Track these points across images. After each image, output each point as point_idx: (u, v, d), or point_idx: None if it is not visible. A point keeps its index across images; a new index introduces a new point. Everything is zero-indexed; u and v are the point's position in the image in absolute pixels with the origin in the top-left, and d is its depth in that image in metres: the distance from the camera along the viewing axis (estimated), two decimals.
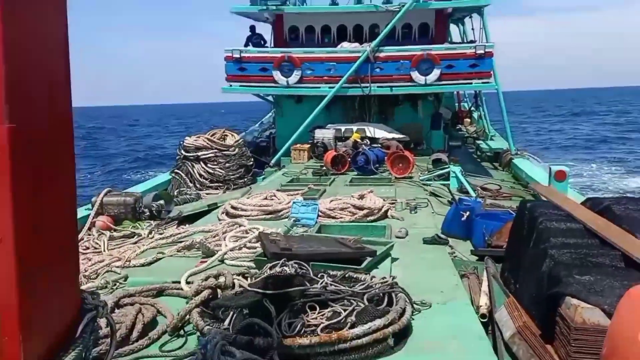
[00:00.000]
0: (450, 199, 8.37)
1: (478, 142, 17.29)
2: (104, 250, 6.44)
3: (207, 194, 10.93)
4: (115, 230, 7.59)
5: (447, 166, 10.51)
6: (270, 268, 4.12)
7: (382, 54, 14.09)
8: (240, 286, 3.92)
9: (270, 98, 17.12)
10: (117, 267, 5.13)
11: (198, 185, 11.29)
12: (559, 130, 50.79)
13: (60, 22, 1.86)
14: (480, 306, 4.22)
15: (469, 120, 19.77)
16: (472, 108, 19.98)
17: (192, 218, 8.12)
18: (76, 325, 1.82)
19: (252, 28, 16.38)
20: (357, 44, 14.94)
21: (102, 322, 2.52)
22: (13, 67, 1.57)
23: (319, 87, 14.39)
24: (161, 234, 6.97)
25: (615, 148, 36.38)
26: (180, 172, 11.58)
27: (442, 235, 6.26)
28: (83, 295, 1.93)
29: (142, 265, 5.25)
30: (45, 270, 1.73)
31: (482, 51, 13.73)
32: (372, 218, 6.89)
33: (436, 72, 13.78)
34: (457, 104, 19.35)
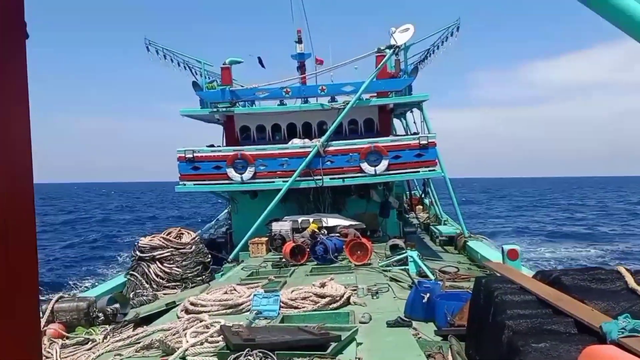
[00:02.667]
0: (410, 283, 8.50)
1: (431, 227, 17.78)
2: None
3: (164, 294, 10.66)
4: (67, 337, 7.25)
5: (404, 251, 10.73)
6: (235, 359, 4.06)
7: (331, 148, 14.67)
8: None
9: (225, 195, 17.25)
10: None
11: (155, 286, 11.03)
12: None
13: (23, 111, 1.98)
14: None
15: (421, 207, 20.39)
16: (423, 195, 20.68)
17: (150, 319, 7.87)
18: None
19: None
20: (307, 140, 15.53)
21: None
22: None
23: (273, 182, 14.70)
24: (117, 337, 6.70)
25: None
26: (135, 274, 11.31)
27: (405, 318, 6.31)
28: None
29: None
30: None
31: (425, 142, 14.52)
32: (334, 305, 6.88)
33: (384, 163, 14.39)
34: (408, 192, 20.02)
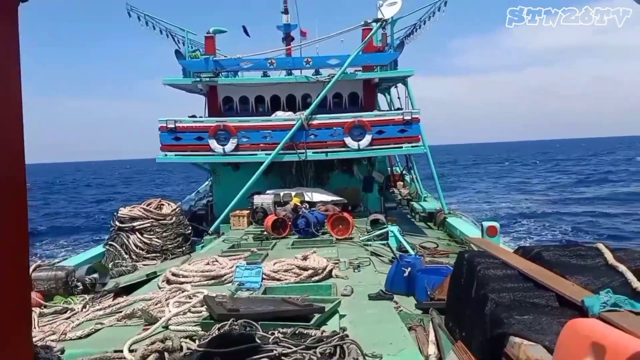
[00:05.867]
0: (391, 258, 8.57)
1: (412, 203, 17.91)
2: (34, 327, 6.04)
3: (144, 265, 10.59)
4: (45, 306, 7.16)
5: (385, 226, 10.80)
6: (219, 329, 4.04)
7: (315, 122, 14.56)
8: (189, 348, 3.81)
9: (206, 166, 17.10)
10: (52, 341, 4.83)
11: (134, 257, 10.93)
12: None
13: (15, 75, 1.90)
14: (430, 355, 4.30)
15: (402, 183, 20.49)
16: (404, 171, 20.77)
17: (130, 290, 7.81)
18: None
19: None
20: (291, 113, 15.39)
21: None
22: None
23: (256, 155, 14.58)
24: (98, 306, 6.64)
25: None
26: (114, 244, 11.19)
27: (387, 292, 6.37)
28: (36, 350, 1.86)
29: (80, 337, 4.97)
30: None
31: (409, 117, 14.49)
32: (316, 278, 6.91)
33: (368, 138, 14.35)
34: (389, 168, 20.07)
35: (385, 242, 9.91)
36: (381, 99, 20.03)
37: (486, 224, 10.27)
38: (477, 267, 4.71)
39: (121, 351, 4.20)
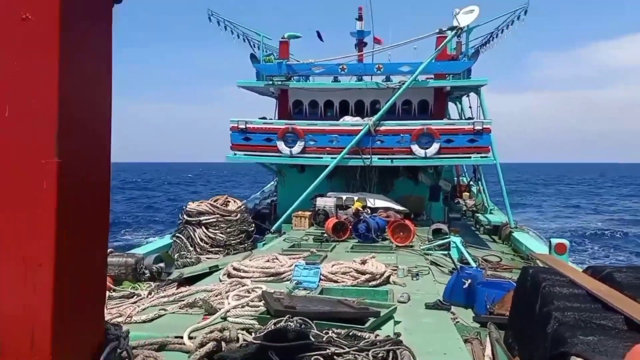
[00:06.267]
0: (451, 269, 8.40)
1: (477, 215, 17.44)
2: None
3: (207, 258, 10.94)
4: (114, 290, 7.55)
5: (447, 237, 10.59)
6: (275, 324, 4.12)
7: (382, 128, 14.52)
8: (245, 340, 3.91)
9: (273, 167, 17.44)
10: (119, 323, 5.09)
11: (199, 250, 11.32)
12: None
13: (107, 76, 2.04)
14: None
15: (467, 194, 20.01)
16: (471, 182, 20.29)
17: (192, 280, 8.10)
18: (100, 352, 1.87)
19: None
20: (358, 118, 15.42)
21: None
22: (66, 112, 1.72)
23: (322, 158, 14.72)
24: (162, 294, 6.93)
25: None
26: (181, 236, 11.64)
27: (445, 302, 6.26)
28: (106, 326, 1.99)
29: (144, 321, 5.21)
30: (75, 296, 1.81)
31: (480, 127, 14.16)
32: (374, 283, 6.89)
33: (436, 146, 14.14)
34: (456, 178, 19.66)
35: (446, 252, 9.73)
36: (452, 108, 19.68)
37: (555, 240, 9.87)
38: (542, 283, 4.54)
39: (181, 337, 4.38)
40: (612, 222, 35.83)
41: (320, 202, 13.59)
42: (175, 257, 10.63)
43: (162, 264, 9.13)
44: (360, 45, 17.71)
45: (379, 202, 13.79)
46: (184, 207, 12.29)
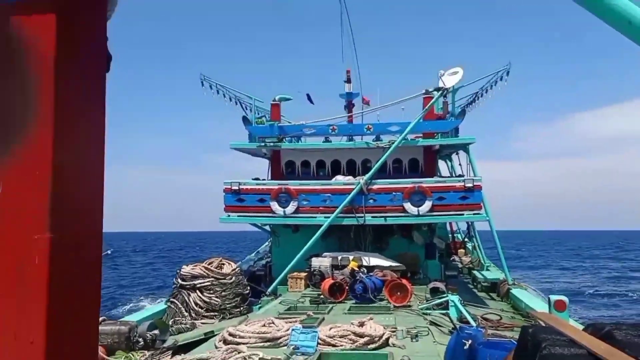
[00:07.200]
0: (451, 328, 8.29)
1: (474, 272, 17.35)
2: None
3: (202, 323, 10.73)
4: None
5: (445, 295, 10.51)
6: None
7: (375, 186, 14.66)
8: None
9: (267, 228, 17.41)
10: None
11: (193, 314, 11.12)
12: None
13: (101, 147, 2.09)
14: None
15: (463, 251, 19.98)
16: (466, 239, 20.30)
17: (188, 347, 7.92)
18: None
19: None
20: (350, 177, 15.59)
21: None
22: (59, 186, 1.76)
23: (315, 217, 14.75)
24: None
25: None
26: (175, 301, 11.46)
27: None
28: None
29: None
30: None
31: (470, 184, 14.33)
32: (373, 346, 6.78)
33: (428, 204, 14.24)
34: (450, 235, 19.68)
35: (445, 311, 9.62)
36: (442, 165, 19.97)
37: (554, 297, 9.80)
38: (542, 343, 4.50)
39: None
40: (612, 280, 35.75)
41: (316, 262, 13.50)
42: (170, 322, 10.44)
43: (156, 331, 8.96)
44: (350, 106, 18.16)
45: (375, 260, 13.71)
46: (178, 271, 12.16)
